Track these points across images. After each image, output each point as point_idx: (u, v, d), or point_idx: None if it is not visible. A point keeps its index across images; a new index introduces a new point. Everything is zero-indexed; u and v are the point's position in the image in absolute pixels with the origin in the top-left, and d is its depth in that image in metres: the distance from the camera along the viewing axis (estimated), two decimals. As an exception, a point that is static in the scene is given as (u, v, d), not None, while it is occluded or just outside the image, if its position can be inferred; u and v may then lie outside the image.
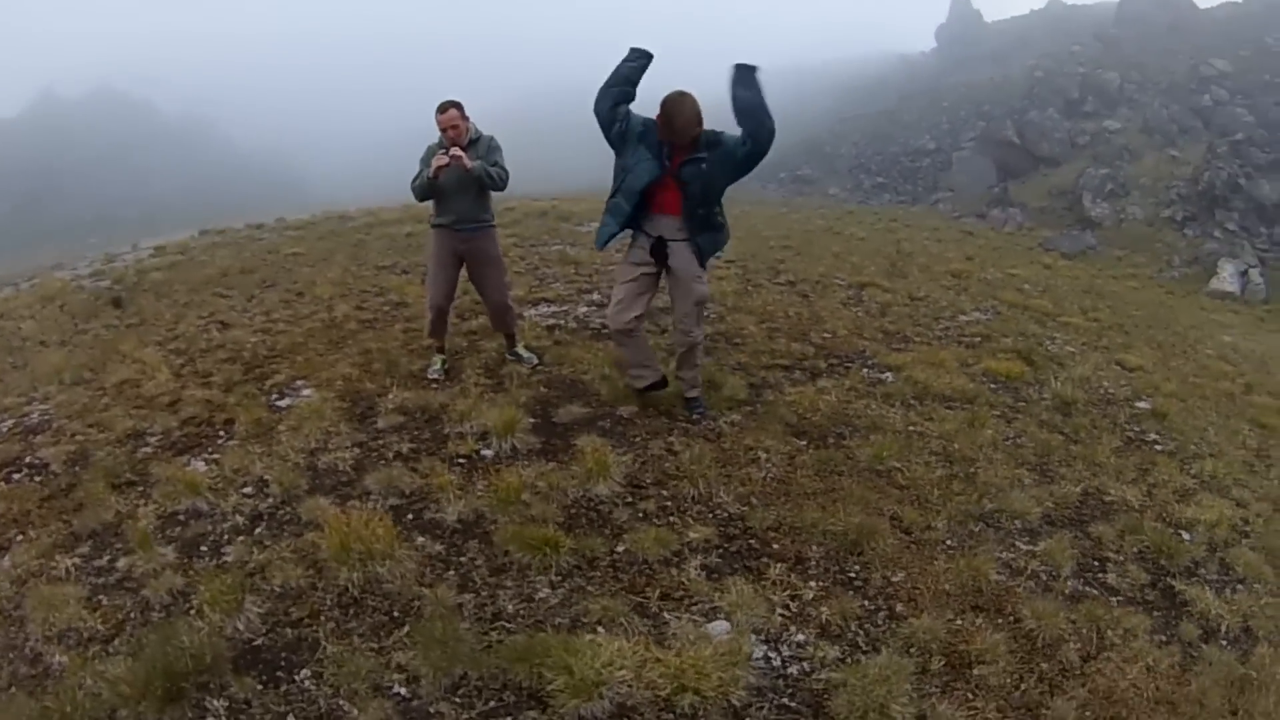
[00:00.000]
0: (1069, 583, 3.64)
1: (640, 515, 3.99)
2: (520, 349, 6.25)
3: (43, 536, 4.13)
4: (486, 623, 3.25)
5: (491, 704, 2.84)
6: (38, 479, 4.88)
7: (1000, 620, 3.24)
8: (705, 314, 5.37)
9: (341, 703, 2.86)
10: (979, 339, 8.01)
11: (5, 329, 9.28)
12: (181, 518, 4.19)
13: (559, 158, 52.47)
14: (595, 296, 8.58)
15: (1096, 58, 39.00)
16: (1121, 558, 3.97)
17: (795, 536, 3.79)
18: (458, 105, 5.57)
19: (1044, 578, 3.63)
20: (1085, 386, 6.71)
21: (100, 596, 3.63)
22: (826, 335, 7.39)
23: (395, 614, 3.32)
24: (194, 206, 56.75)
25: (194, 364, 6.75)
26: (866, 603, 3.37)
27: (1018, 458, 4.99)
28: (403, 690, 2.92)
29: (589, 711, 2.74)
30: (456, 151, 5.42)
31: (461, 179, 5.54)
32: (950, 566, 3.56)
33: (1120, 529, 4.22)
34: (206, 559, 3.83)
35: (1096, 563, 3.91)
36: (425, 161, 5.58)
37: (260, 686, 2.96)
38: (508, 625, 3.24)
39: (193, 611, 3.40)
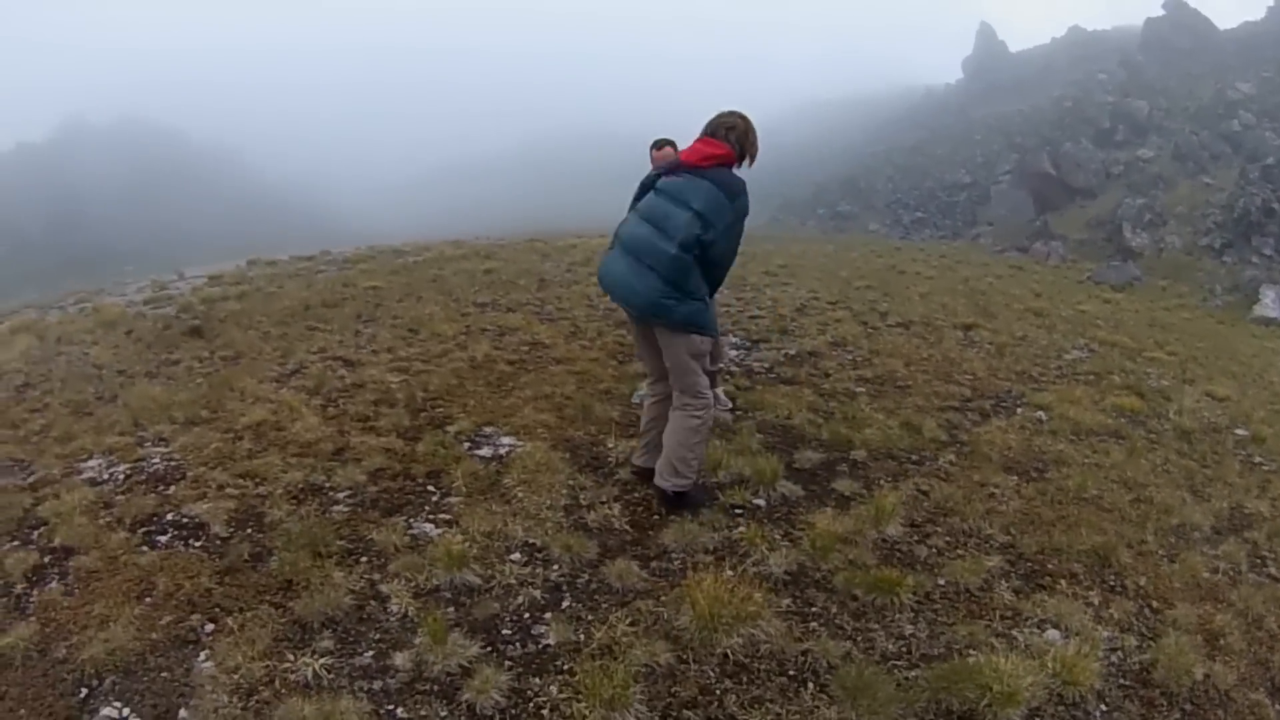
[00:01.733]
0: (1249, 575, 4.80)
1: (936, 551, 4.43)
2: (719, 391, 6.46)
3: (250, 626, 3.39)
4: (880, 664, 3.41)
5: (935, 731, 3.09)
6: (198, 544, 4.12)
7: (1221, 605, 4.28)
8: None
9: (800, 770, 2.90)
10: (1093, 376, 8.96)
11: (72, 355, 8.49)
12: (446, 594, 3.73)
13: (575, 198, 53.46)
14: (733, 339, 9.27)
15: (1123, 85, 40.23)
16: (1275, 555, 5.12)
17: (1059, 557, 4.48)
18: (672, 143, 5.97)
19: (1232, 574, 4.77)
20: (1194, 417, 7.71)
21: (394, 708, 3.02)
22: (968, 377, 8.32)
23: (791, 673, 3.32)
24: (224, 237, 57.61)
25: (338, 405, 6.33)
26: (1132, 603, 4.16)
27: (1174, 481, 5.95)
28: (853, 741, 2.99)
29: (1015, 716, 3.17)
30: None
31: None
32: (1174, 569, 4.57)
33: (1266, 534, 5.27)
34: (518, 644, 3.42)
35: (1259, 560, 5.04)
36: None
37: (702, 779, 2.90)
38: (898, 664, 3.44)
39: (548, 711, 3.04)
